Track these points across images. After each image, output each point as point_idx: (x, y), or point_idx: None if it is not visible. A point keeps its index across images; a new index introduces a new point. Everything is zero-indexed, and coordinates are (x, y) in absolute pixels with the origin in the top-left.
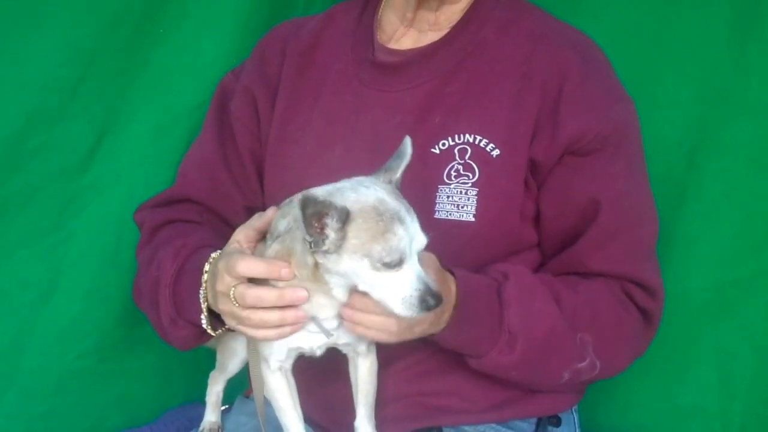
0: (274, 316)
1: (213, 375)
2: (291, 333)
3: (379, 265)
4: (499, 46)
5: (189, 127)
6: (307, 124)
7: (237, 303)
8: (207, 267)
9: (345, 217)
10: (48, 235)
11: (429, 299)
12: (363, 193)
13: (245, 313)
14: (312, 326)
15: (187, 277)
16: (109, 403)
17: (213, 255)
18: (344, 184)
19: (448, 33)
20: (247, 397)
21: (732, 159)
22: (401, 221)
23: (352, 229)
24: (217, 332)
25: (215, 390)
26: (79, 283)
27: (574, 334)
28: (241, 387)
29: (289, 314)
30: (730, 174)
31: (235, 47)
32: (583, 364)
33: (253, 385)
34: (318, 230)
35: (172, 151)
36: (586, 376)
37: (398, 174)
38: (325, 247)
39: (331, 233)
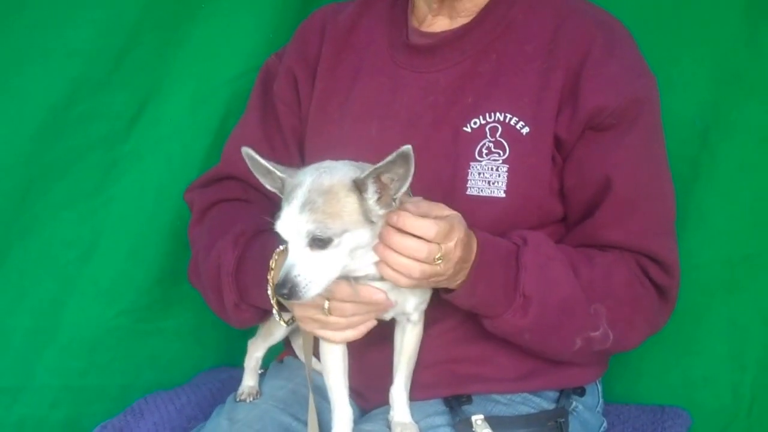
0: (361, 313)
1: (254, 342)
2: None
3: None
4: (526, 26)
5: (227, 97)
6: (345, 103)
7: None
8: (272, 264)
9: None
10: (90, 198)
11: (281, 289)
12: (309, 173)
13: (333, 319)
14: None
15: (249, 266)
16: (143, 361)
17: (277, 251)
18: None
19: (478, 15)
20: (281, 361)
21: (744, 138)
22: (289, 204)
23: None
24: (287, 321)
25: (255, 356)
26: (119, 245)
27: (589, 304)
28: (274, 353)
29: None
30: (742, 153)
31: (274, 21)
32: (596, 333)
33: (303, 343)
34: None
35: (210, 121)
36: (598, 346)
37: (404, 188)
38: None
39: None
